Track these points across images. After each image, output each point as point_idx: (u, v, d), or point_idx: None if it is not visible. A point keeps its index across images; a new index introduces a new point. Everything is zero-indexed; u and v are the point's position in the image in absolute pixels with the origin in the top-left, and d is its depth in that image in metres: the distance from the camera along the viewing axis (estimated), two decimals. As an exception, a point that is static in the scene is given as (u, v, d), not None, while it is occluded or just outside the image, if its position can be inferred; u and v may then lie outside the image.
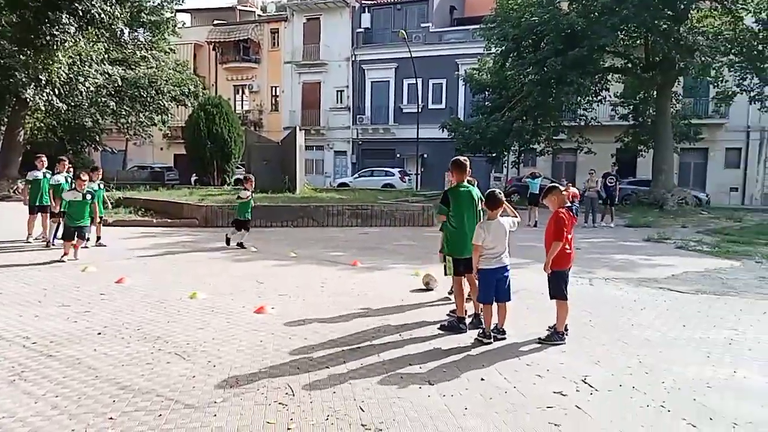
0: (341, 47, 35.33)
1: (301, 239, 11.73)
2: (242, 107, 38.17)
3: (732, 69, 21.14)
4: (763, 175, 27.71)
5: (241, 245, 10.28)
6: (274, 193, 17.50)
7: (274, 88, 37.97)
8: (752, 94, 21.12)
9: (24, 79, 19.94)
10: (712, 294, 7.02)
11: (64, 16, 12.28)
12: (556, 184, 5.27)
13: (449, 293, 6.75)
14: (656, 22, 19.52)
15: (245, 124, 33.69)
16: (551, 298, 4.98)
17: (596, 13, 20.15)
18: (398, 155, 33.48)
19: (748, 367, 4.41)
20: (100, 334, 5.01)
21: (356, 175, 31.41)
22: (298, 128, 20.34)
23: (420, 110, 30.25)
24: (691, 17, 21.37)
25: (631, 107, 25.34)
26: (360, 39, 34.99)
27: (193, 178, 28.29)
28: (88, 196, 9.20)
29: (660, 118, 22.30)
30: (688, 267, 8.93)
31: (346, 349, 4.68)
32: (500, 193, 5.02)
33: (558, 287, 4.92)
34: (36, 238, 10.50)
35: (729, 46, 20.55)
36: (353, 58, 35.13)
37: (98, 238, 10.46)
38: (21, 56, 18.66)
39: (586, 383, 4.01)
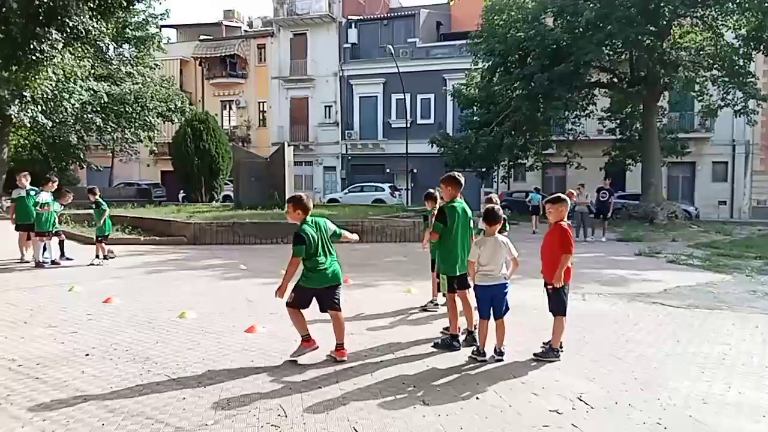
0: (329, 62, 35.53)
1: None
2: (229, 123, 38.15)
3: (715, 84, 21.54)
4: (750, 188, 28.11)
5: None
6: (263, 209, 17.43)
7: (261, 104, 38.03)
8: (736, 108, 21.48)
9: (7, 96, 19.76)
10: (705, 308, 7.04)
11: (53, 32, 12.17)
12: (562, 195, 5.14)
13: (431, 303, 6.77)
14: (640, 37, 19.87)
15: (233, 140, 33.68)
16: (553, 313, 4.92)
17: (581, 29, 20.47)
18: (388, 170, 33.58)
19: (742, 382, 4.40)
20: (87, 355, 4.91)
21: (346, 191, 31.43)
22: (286, 144, 20.34)
23: (409, 125, 30.41)
24: (674, 33, 21.82)
25: (618, 121, 25.70)
26: (347, 54, 35.22)
27: (181, 194, 28.13)
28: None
29: (647, 132, 22.62)
30: (679, 281, 8.96)
31: (338, 368, 4.62)
32: (499, 210, 4.97)
33: (560, 302, 4.87)
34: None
35: (711, 61, 20.98)
36: (341, 74, 35.33)
37: (100, 255, 10.41)
38: (5, 72, 18.50)
39: (581, 401, 3.98)
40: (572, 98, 22.43)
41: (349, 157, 35.56)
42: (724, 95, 21.62)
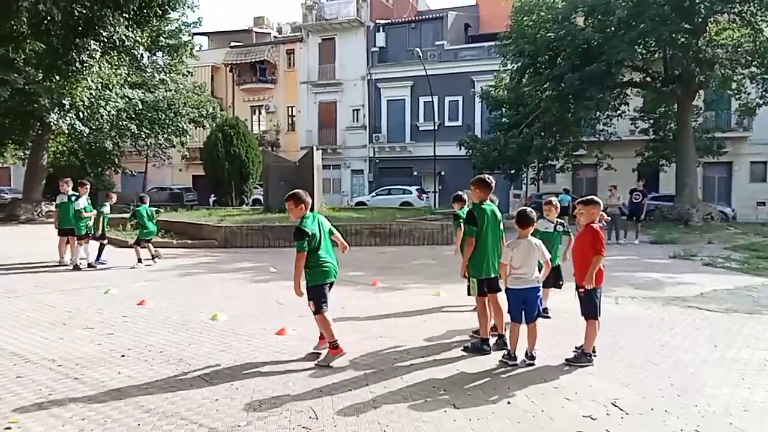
0: (356, 66, 35.71)
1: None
2: (259, 128, 38.63)
3: (754, 81, 20.91)
4: (791, 189, 27.16)
5: None
6: (292, 212, 17.58)
7: (290, 108, 38.43)
8: (777, 106, 20.82)
9: (47, 104, 20.47)
10: (744, 312, 6.83)
11: (91, 42, 12.61)
12: (594, 197, 5.03)
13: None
14: (674, 35, 19.41)
15: (262, 144, 34.10)
16: (585, 317, 4.84)
17: (612, 28, 20.10)
18: (415, 173, 33.56)
19: (785, 389, 4.25)
20: (123, 356, 5.02)
21: (373, 194, 31.50)
22: (315, 148, 20.48)
23: (436, 128, 30.34)
24: (709, 30, 21.25)
25: (652, 121, 25.15)
26: (375, 58, 35.34)
27: (212, 198, 28.61)
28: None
29: (681, 131, 22.06)
30: (716, 285, 8.72)
31: (368, 371, 4.63)
32: (531, 212, 4.93)
33: (593, 306, 4.79)
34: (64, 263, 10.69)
35: (749, 58, 20.34)
36: (369, 77, 35.47)
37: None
38: (46, 82, 19.20)
39: (616, 406, 3.90)
40: (604, 98, 22.03)
41: (377, 160, 35.65)
42: (764, 93, 20.97)
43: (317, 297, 4.70)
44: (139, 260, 10.64)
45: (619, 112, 24.40)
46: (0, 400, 3.97)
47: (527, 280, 4.78)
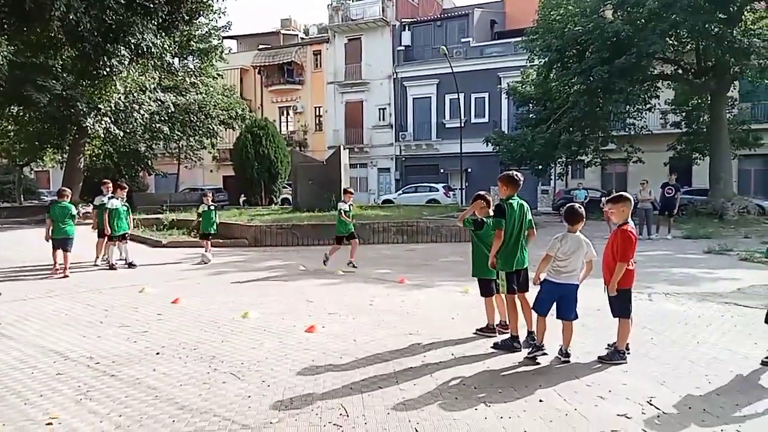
0: (383, 66, 35.75)
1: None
2: (287, 128, 39.00)
3: (792, 70, 20.19)
4: (831, 181, 26.16)
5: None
6: (320, 211, 17.72)
7: (317, 109, 38.69)
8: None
9: (84, 109, 21.07)
10: (784, 309, 6.60)
11: (121, 48, 12.97)
12: (624, 194, 4.89)
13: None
14: (707, 26, 18.87)
15: (290, 144, 34.44)
16: (615, 316, 4.77)
17: (643, 20, 19.68)
18: (442, 170, 33.44)
19: (830, 388, 4.11)
20: (158, 354, 5.13)
21: (400, 192, 31.49)
22: (342, 147, 20.59)
23: (463, 125, 30.15)
24: (746, 19, 20.59)
25: (684, 114, 24.52)
26: (401, 57, 35.32)
27: (242, 198, 29.01)
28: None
29: (715, 124, 21.49)
30: (754, 280, 8.47)
31: (398, 369, 4.63)
32: (580, 207, 4.80)
33: (623, 306, 4.70)
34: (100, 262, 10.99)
35: (788, 47, 19.64)
36: (395, 76, 35.47)
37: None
38: (79, 87, 19.76)
39: (652, 405, 3.82)
40: (633, 91, 21.56)
41: (403, 158, 35.65)
42: (804, 83, 20.26)
43: (54, 243, 9.48)
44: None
45: (649, 105, 23.85)
46: (42, 396, 4.10)
47: (568, 275, 4.69)
